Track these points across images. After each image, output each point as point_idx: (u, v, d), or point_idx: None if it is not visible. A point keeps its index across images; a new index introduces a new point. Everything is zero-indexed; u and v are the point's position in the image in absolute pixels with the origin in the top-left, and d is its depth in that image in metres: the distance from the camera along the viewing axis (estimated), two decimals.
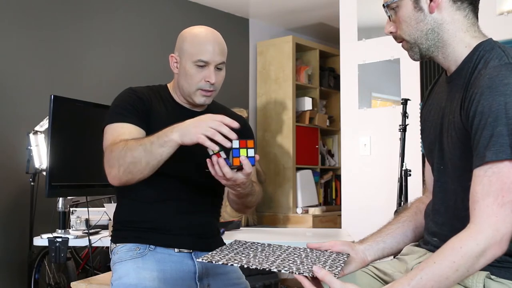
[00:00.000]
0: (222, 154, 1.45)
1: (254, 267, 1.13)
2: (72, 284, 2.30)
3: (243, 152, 1.45)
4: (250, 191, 1.63)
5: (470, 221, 1.14)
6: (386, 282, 1.34)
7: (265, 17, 5.29)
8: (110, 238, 1.77)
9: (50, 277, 3.32)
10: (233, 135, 1.43)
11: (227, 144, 1.43)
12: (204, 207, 1.76)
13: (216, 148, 1.43)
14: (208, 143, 1.43)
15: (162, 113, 1.72)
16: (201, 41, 1.69)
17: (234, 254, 1.22)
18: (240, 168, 1.46)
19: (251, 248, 1.29)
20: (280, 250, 1.29)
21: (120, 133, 1.60)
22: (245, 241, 1.36)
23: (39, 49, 3.73)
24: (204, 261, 1.17)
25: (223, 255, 1.20)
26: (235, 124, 1.45)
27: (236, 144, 1.44)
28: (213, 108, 1.84)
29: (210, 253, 1.22)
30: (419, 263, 1.23)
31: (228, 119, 1.46)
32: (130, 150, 1.50)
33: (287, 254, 1.24)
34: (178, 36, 1.76)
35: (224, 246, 1.30)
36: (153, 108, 1.71)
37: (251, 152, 1.45)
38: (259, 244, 1.34)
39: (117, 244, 1.71)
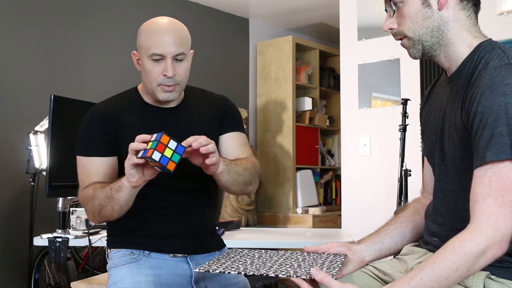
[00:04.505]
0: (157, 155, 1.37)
1: (251, 273, 1.13)
2: (72, 284, 2.30)
3: (168, 153, 1.38)
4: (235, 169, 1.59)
5: (470, 221, 1.14)
6: (385, 282, 1.34)
7: (265, 17, 5.29)
8: (106, 242, 1.77)
9: (50, 277, 3.32)
10: (141, 146, 1.39)
11: (141, 146, 1.38)
12: (197, 210, 1.73)
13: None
14: (140, 160, 1.39)
15: (132, 124, 1.66)
16: (154, 33, 1.59)
17: (231, 262, 1.22)
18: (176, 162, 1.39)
19: (248, 255, 1.29)
20: (277, 255, 1.29)
21: (88, 173, 1.62)
22: (242, 249, 1.37)
23: (39, 49, 3.73)
24: (201, 271, 1.16)
25: (220, 264, 1.20)
26: (146, 137, 1.40)
27: (157, 155, 1.36)
28: (190, 95, 1.77)
29: (207, 262, 1.22)
30: (419, 263, 1.23)
31: (139, 137, 1.41)
32: (96, 198, 1.54)
33: (284, 259, 1.24)
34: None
35: (221, 255, 1.30)
36: (121, 123, 1.66)
37: (172, 145, 1.38)
38: (255, 251, 1.34)
39: (112, 249, 1.71)
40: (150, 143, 1.38)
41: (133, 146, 1.40)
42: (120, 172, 1.64)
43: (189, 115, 1.73)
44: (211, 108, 1.77)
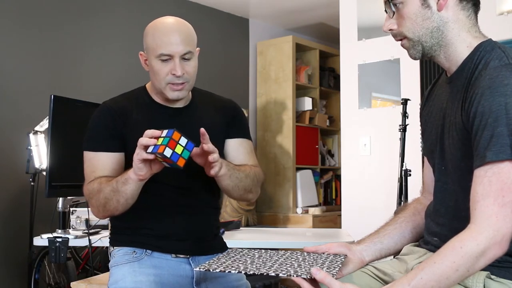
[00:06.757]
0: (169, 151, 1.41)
1: (251, 272, 1.13)
2: (72, 284, 2.30)
3: (178, 149, 1.40)
4: (237, 174, 1.63)
5: (470, 221, 1.14)
6: (386, 282, 1.34)
7: (265, 17, 5.29)
8: (108, 239, 1.77)
9: (50, 277, 3.32)
10: (151, 141, 1.41)
11: (151, 142, 1.41)
12: (201, 211, 1.73)
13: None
14: (149, 156, 1.42)
15: (139, 122, 1.66)
16: (161, 33, 1.62)
17: (232, 261, 1.22)
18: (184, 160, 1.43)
19: (248, 255, 1.30)
20: (277, 255, 1.29)
21: (94, 168, 1.63)
22: (242, 249, 1.37)
23: (39, 49, 3.73)
24: (201, 270, 1.17)
25: (220, 263, 1.20)
26: (157, 133, 1.42)
27: (168, 152, 1.38)
28: (197, 97, 1.79)
29: (207, 261, 1.22)
30: (419, 263, 1.23)
31: (149, 132, 1.43)
32: (102, 191, 1.55)
33: (284, 259, 1.24)
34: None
35: (221, 255, 1.30)
36: (130, 120, 1.67)
37: (183, 142, 1.41)
38: (256, 251, 1.34)
39: (114, 248, 1.71)
40: (160, 139, 1.41)
41: (143, 141, 1.42)
42: (126, 168, 1.64)
43: (198, 116, 1.75)
44: (220, 112, 1.79)
